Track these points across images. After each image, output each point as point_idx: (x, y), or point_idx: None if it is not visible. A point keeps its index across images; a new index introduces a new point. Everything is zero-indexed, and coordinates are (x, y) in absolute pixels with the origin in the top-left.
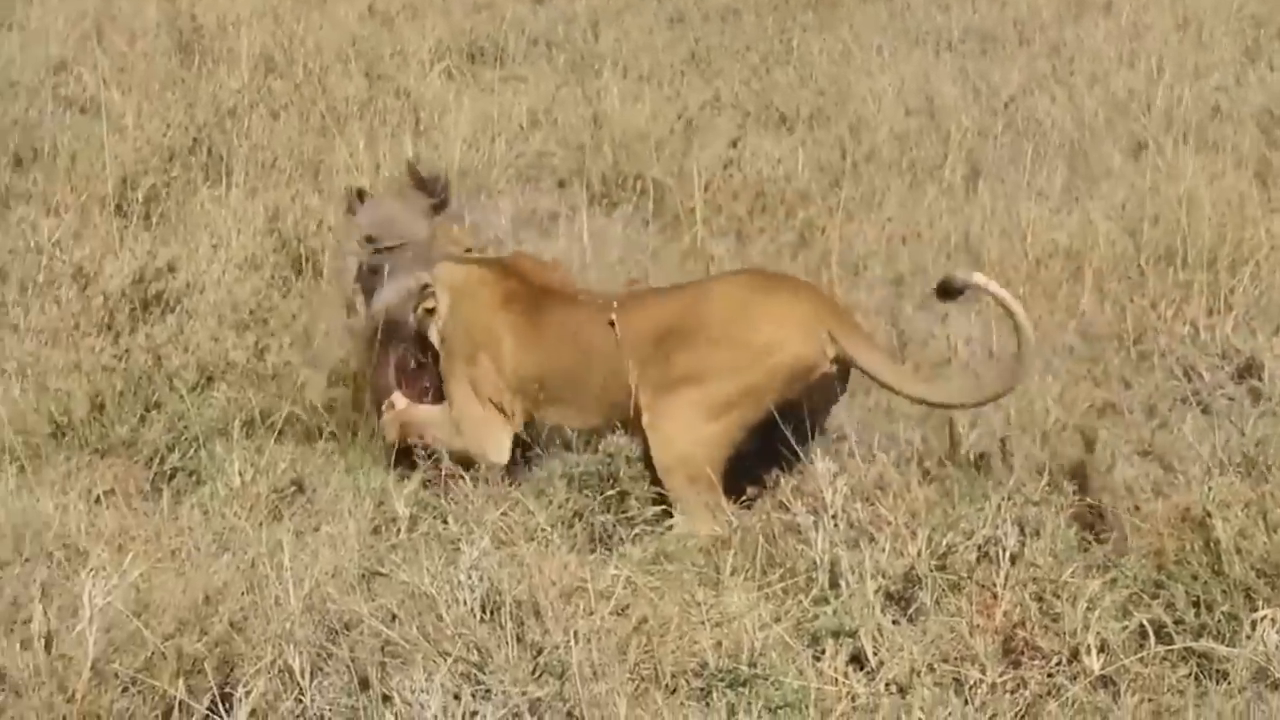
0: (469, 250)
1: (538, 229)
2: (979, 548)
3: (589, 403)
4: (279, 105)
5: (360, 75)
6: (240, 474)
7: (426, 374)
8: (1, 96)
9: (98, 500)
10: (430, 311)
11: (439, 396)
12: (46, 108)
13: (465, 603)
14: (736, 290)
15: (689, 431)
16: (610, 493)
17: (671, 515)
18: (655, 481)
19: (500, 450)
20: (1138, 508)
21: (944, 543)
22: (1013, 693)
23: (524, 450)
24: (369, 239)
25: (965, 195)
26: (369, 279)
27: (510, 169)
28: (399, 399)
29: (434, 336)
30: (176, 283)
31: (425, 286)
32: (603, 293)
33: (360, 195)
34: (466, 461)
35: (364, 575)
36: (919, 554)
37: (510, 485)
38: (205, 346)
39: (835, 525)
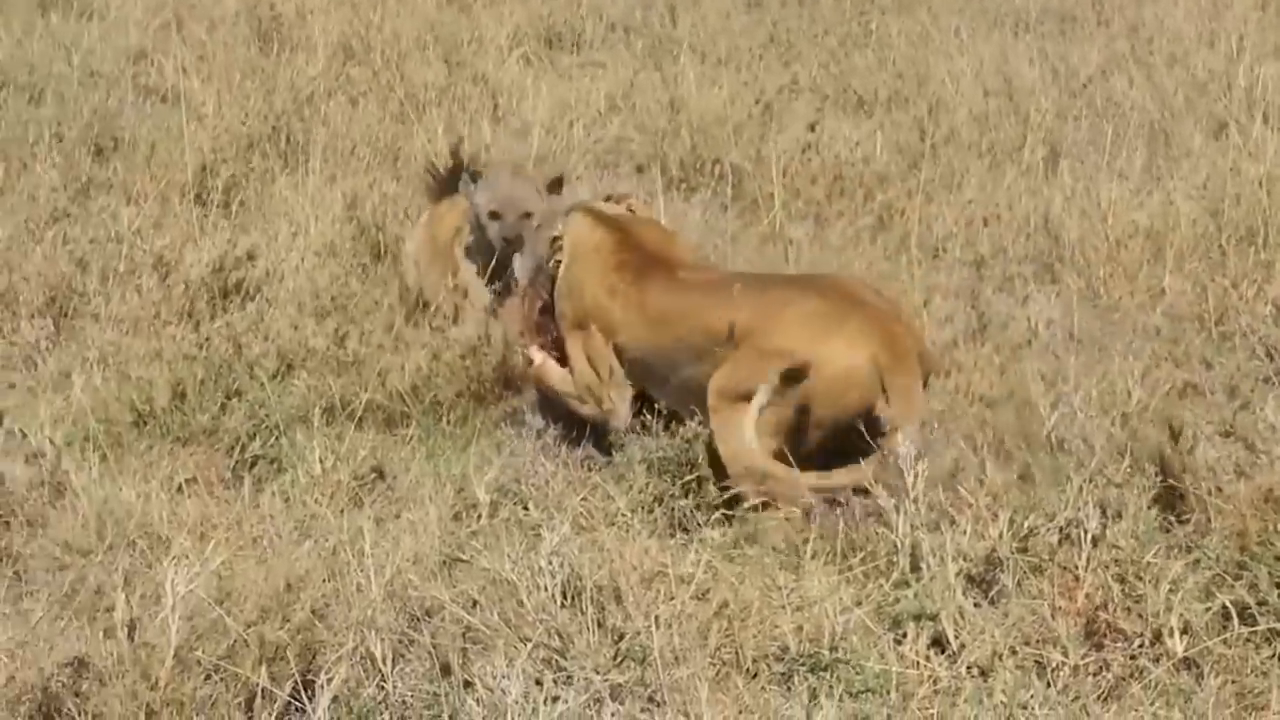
0: (609, 199)
1: None
2: (1060, 530)
3: (676, 386)
4: (357, 92)
5: (438, 62)
6: (321, 461)
7: (553, 320)
8: (82, 86)
9: (179, 488)
10: (559, 265)
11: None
12: (126, 97)
13: (546, 588)
14: (809, 314)
15: (754, 444)
16: (689, 478)
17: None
18: (724, 473)
19: (621, 417)
20: (1220, 489)
21: (1025, 525)
22: (1095, 675)
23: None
24: (494, 214)
25: (1045, 176)
26: (504, 249)
27: (589, 154)
28: (536, 353)
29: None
30: (256, 271)
31: (556, 239)
32: (704, 272)
33: (474, 177)
34: (595, 421)
35: (445, 562)
36: (1000, 536)
37: (590, 471)
38: (285, 334)
39: (916, 508)
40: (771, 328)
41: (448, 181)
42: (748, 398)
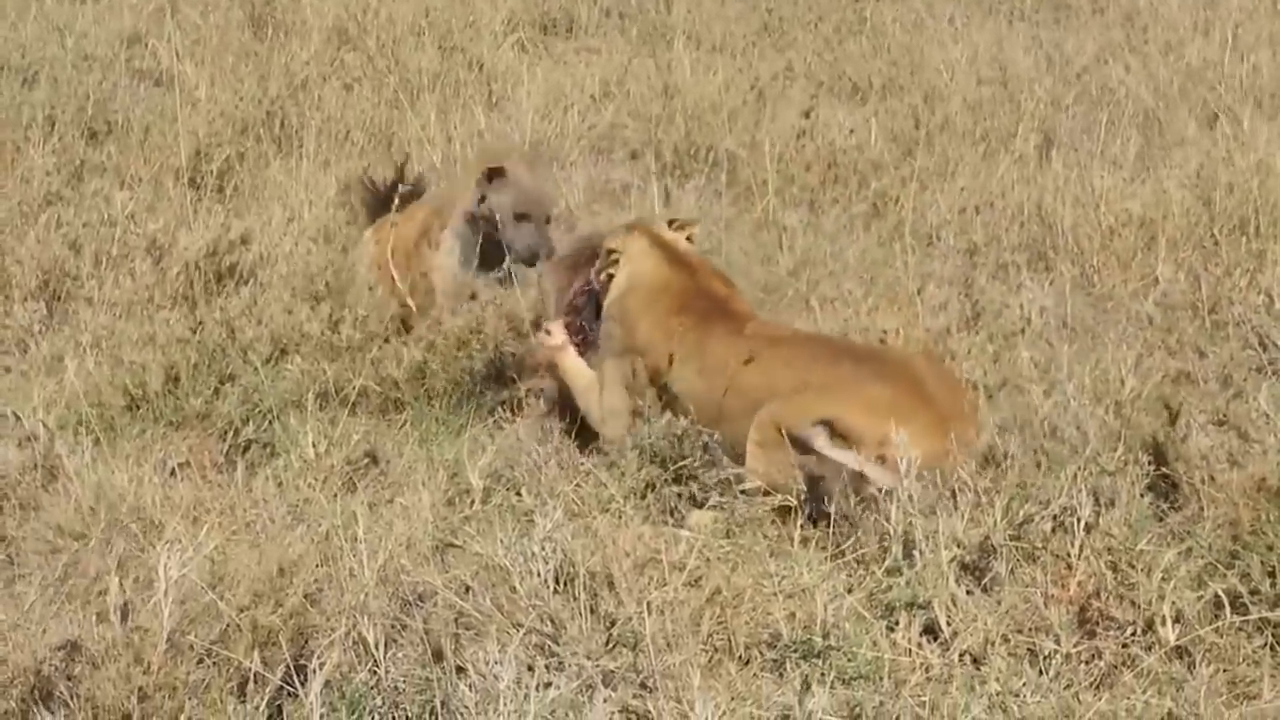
0: (671, 224)
1: (610, 200)
2: (1054, 518)
3: (724, 429)
4: (351, 77)
5: (433, 47)
6: (314, 446)
7: (587, 320)
8: (76, 69)
9: (173, 473)
10: (610, 279)
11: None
12: (120, 80)
13: (539, 574)
14: (881, 401)
15: (788, 472)
16: (681, 464)
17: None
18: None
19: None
20: (1213, 477)
21: (1020, 513)
22: (1087, 663)
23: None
24: (521, 216)
25: (1039, 165)
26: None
27: (583, 140)
28: (558, 331)
29: (605, 301)
30: (250, 255)
31: (611, 251)
32: (771, 329)
33: (490, 175)
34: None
35: (438, 547)
36: (994, 524)
37: (583, 457)
38: (279, 319)
39: (909, 495)
40: (840, 405)
41: (385, 199)
42: (792, 438)
